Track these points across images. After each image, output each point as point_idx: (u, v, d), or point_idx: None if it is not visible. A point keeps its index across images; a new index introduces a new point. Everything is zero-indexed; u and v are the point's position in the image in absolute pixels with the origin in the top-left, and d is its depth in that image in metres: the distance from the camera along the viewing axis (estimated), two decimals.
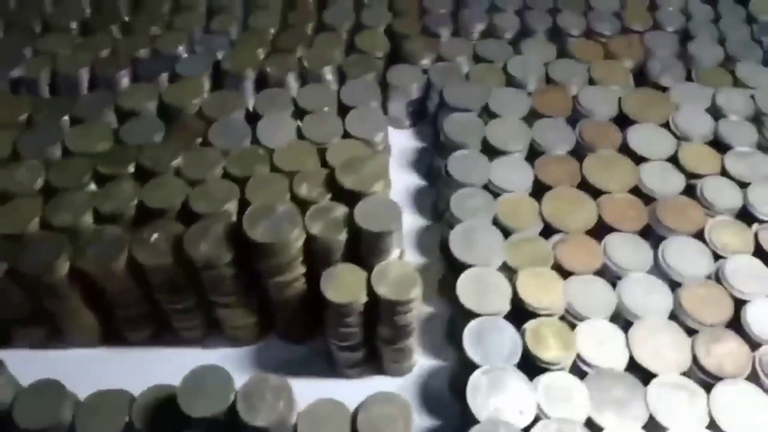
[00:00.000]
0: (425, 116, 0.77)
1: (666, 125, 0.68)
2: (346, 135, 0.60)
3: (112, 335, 0.60)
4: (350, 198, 0.54)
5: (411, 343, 0.56)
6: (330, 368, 0.58)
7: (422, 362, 0.60)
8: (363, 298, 0.51)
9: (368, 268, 0.52)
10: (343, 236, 0.52)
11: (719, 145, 0.66)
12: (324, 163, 0.57)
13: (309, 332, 0.59)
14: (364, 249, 0.53)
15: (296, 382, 0.56)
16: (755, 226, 0.60)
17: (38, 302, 0.55)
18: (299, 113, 0.62)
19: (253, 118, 0.62)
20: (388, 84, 0.74)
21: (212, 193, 0.55)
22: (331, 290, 0.52)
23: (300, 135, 0.60)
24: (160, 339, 0.60)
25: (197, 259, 0.51)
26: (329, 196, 0.54)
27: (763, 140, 0.67)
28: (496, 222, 0.61)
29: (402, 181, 0.72)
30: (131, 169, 0.58)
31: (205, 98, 0.63)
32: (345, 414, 0.54)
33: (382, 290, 0.51)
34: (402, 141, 0.77)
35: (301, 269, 0.54)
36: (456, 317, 0.57)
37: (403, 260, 0.53)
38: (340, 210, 0.53)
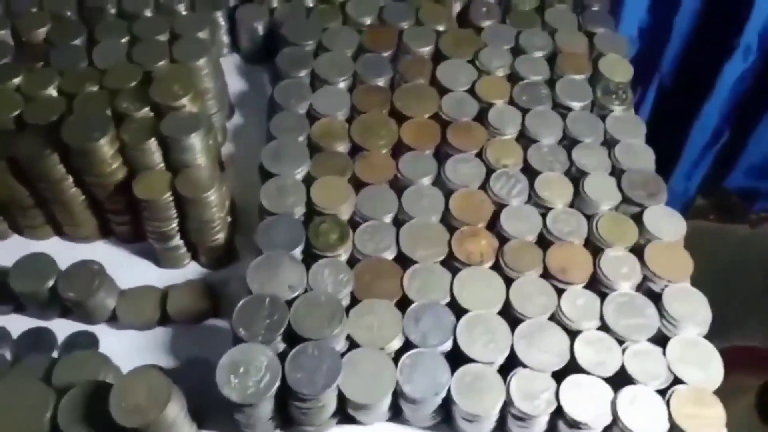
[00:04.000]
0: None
1: (473, 61, 0.77)
2: (172, 60, 0.68)
3: None
4: (162, 112, 0.62)
5: (219, 243, 0.65)
6: (155, 261, 0.67)
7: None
8: (166, 195, 0.60)
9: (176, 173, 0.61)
10: (150, 142, 0.60)
11: (516, 79, 0.76)
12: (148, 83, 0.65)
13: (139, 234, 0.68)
14: (172, 155, 0.62)
15: (125, 274, 0.65)
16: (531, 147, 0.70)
17: None
18: (133, 41, 0.70)
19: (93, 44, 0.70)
20: (237, 21, 0.82)
21: (44, 107, 0.63)
22: (138, 188, 0.60)
23: (131, 59, 0.67)
24: None
25: (20, 156, 0.60)
26: (146, 109, 0.63)
27: (556, 75, 0.76)
28: (310, 142, 0.70)
29: (250, 109, 0.82)
30: None
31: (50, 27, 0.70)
32: (157, 294, 0.63)
33: (181, 188, 0.60)
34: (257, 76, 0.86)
35: (119, 174, 0.62)
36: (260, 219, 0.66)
37: (206, 167, 0.62)
38: (151, 121, 0.62)
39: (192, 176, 0.61)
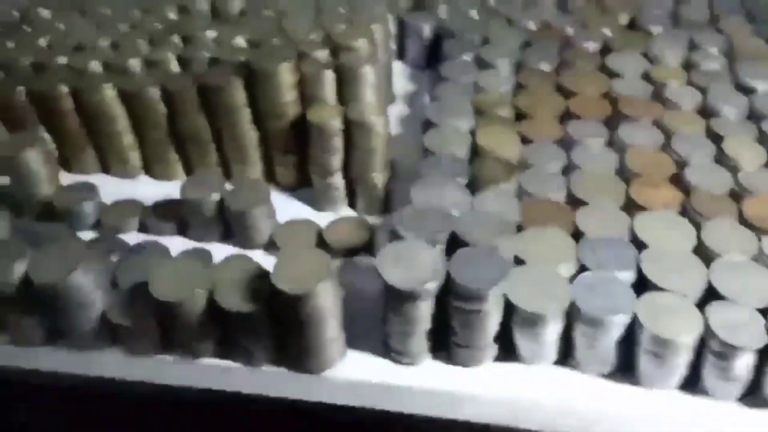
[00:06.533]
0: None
1: (646, 55, 0.76)
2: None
3: None
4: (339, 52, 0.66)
5: (377, 183, 0.64)
6: (313, 205, 0.67)
7: None
8: (336, 121, 0.61)
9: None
10: (326, 72, 0.63)
11: (690, 67, 0.73)
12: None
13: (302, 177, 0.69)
14: (345, 87, 0.64)
15: (282, 217, 0.65)
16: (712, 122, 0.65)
17: None
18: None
19: None
20: (405, 25, 0.86)
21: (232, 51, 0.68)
22: (311, 113, 0.62)
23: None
24: None
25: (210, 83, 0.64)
26: (325, 52, 0.66)
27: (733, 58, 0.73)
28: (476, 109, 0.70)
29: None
30: None
31: None
32: (315, 225, 0.63)
33: (351, 114, 0.61)
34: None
35: (294, 109, 0.64)
36: None
37: (376, 99, 0.63)
38: (329, 60, 0.65)
39: (362, 106, 0.62)
